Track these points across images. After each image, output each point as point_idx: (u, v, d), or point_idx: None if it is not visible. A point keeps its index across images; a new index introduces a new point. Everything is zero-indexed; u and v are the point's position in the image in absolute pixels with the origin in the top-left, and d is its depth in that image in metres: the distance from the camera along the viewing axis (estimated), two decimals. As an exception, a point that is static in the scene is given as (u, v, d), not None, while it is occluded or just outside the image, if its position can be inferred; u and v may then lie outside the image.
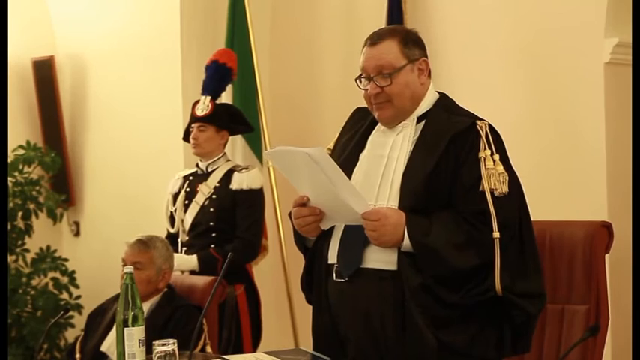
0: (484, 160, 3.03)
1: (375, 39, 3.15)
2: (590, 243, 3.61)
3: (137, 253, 4.45)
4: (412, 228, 2.98)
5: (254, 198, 5.14)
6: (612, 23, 4.87)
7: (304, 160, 2.97)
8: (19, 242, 6.51)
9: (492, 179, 3.01)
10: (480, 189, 3.00)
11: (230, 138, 5.35)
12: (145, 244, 4.49)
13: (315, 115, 6.22)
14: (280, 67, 6.47)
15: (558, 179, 5.05)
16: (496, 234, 2.97)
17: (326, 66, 6.15)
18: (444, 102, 3.20)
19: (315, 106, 6.24)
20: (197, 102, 5.22)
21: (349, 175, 3.13)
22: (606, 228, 3.65)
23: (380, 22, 5.42)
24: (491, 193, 2.99)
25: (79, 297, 6.57)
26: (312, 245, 3.25)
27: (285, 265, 5.89)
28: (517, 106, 5.22)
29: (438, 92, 3.24)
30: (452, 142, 3.04)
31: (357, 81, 3.18)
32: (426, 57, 3.19)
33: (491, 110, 5.14)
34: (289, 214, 3.26)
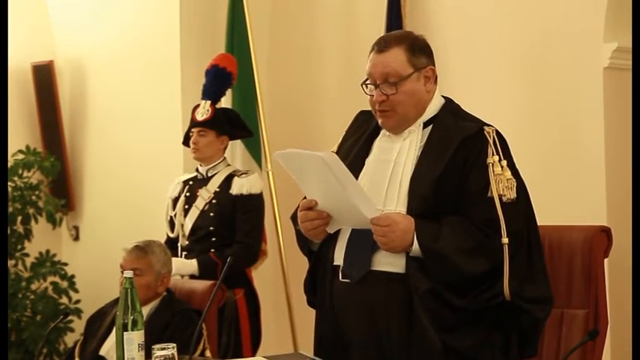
0: (492, 165, 3.03)
1: (382, 46, 3.14)
2: (589, 247, 3.61)
3: (135, 260, 4.44)
4: (421, 234, 2.98)
5: (254, 203, 5.14)
6: (611, 28, 4.87)
7: (316, 164, 2.97)
8: (19, 247, 6.52)
9: (501, 185, 3.01)
10: (489, 195, 3.01)
11: (229, 143, 5.35)
12: (142, 250, 4.48)
13: (314, 120, 6.22)
14: (279, 71, 6.47)
15: (558, 184, 5.05)
16: (505, 240, 2.97)
17: (325, 71, 6.15)
18: (451, 107, 3.20)
19: (314, 111, 6.25)
20: (197, 106, 5.22)
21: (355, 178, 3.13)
22: (605, 232, 3.65)
23: (379, 26, 5.43)
24: (500, 199, 3.00)
25: (78, 301, 6.57)
26: (317, 248, 3.24)
27: (285, 269, 5.89)
28: (516, 111, 5.22)
29: (444, 97, 3.24)
30: (460, 148, 3.04)
31: (363, 86, 3.17)
32: (433, 64, 3.18)
33: (491, 115, 5.13)
34: (291, 218, 3.26)
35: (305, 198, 3.16)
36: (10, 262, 6.45)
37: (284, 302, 5.94)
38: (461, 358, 3.01)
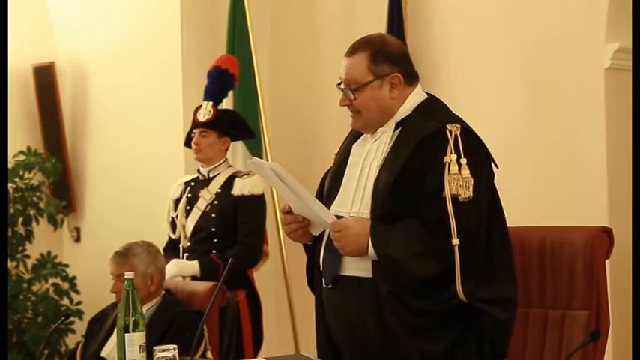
0: (449, 165, 3.00)
1: (350, 50, 3.18)
2: (590, 248, 3.61)
3: (118, 266, 4.45)
4: (375, 238, 3.00)
5: (255, 204, 5.14)
6: (613, 29, 4.87)
7: (270, 173, 3.05)
8: (20, 248, 6.51)
9: (454, 185, 2.98)
10: (443, 195, 2.99)
11: (230, 144, 5.34)
12: (122, 255, 4.49)
13: (315, 121, 6.22)
14: (280, 72, 6.47)
15: (559, 185, 5.04)
16: (455, 241, 2.95)
17: (326, 72, 6.14)
18: (428, 105, 3.17)
19: (315, 112, 6.24)
20: (199, 107, 5.22)
21: (339, 182, 3.16)
22: (607, 233, 3.65)
23: (381, 27, 5.43)
24: (454, 199, 2.97)
25: (79, 303, 6.57)
26: (311, 246, 3.28)
27: (286, 270, 5.89)
28: (517, 112, 5.22)
29: (427, 93, 3.22)
30: (417, 148, 3.03)
31: (338, 87, 3.21)
32: (400, 71, 3.14)
33: (492, 116, 5.16)
34: None
35: None
36: (12, 264, 6.45)
37: (285, 303, 5.94)
38: None
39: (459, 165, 2.99)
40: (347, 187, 3.14)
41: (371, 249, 3.00)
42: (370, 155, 3.13)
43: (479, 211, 3.00)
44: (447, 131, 3.03)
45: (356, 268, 3.07)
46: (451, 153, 3.00)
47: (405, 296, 2.98)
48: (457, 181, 2.98)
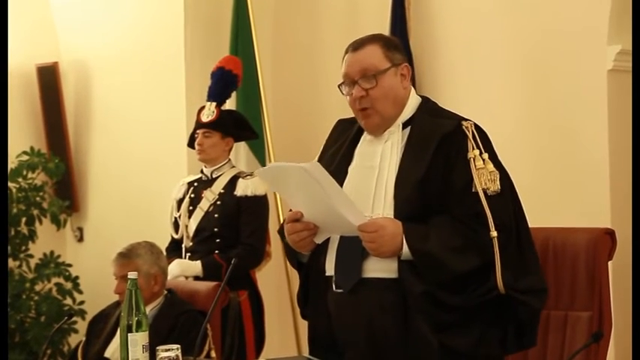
0: (473, 160, 3.02)
1: (356, 45, 3.20)
2: (593, 250, 3.61)
3: (121, 267, 4.45)
4: (410, 236, 2.98)
5: (258, 204, 5.14)
6: (615, 30, 4.88)
7: (300, 175, 2.96)
8: (23, 248, 6.52)
9: (483, 178, 3.00)
10: (473, 190, 3.00)
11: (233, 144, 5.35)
12: (125, 256, 4.50)
13: (318, 122, 6.21)
14: (283, 73, 6.48)
15: (561, 186, 5.05)
16: (494, 233, 2.96)
17: (329, 72, 6.14)
18: (428, 106, 3.20)
19: (318, 112, 6.25)
20: (202, 108, 5.23)
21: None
22: (609, 235, 3.65)
23: (383, 26, 5.43)
24: (485, 193, 2.99)
25: (82, 302, 6.57)
26: (307, 260, 3.23)
27: (288, 271, 5.89)
28: (519, 113, 5.22)
29: (420, 96, 3.24)
30: (440, 146, 3.04)
31: (341, 88, 3.20)
32: (407, 62, 3.20)
33: (494, 116, 5.16)
34: (278, 232, 3.27)
35: (290, 210, 3.16)
36: (15, 264, 6.45)
37: (288, 304, 5.94)
38: (458, 356, 3.01)
39: (483, 160, 3.02)
40: (362, 190, 3.10)
41: (405, 248, 2.97)
42: (385, 157, 3.11)
43: (508, 203, 3.03)
44: (464, 128, 3.06)
45: (380, 269, 3.03)
46: (473, 148, 3.03)
47: (439, 294, 2.97)
48: (485, 175, 3.00)
